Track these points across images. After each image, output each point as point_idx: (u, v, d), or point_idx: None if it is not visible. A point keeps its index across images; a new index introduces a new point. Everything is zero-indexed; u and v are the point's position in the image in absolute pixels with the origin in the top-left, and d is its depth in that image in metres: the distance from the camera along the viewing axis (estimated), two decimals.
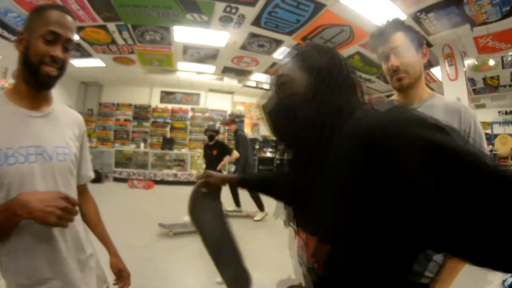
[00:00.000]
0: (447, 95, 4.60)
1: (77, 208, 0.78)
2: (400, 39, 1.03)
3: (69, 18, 0.87)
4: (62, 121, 0.95)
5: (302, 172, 0.65)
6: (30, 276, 0.83)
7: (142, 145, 9.08)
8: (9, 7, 4.04)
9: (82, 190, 1.09)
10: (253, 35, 5.31)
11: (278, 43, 5.51)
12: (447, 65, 4.82)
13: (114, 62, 6.85)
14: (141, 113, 9.71)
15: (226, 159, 5.00)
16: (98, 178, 7.46)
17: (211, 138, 4.92)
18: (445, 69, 4.87)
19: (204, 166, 5.99)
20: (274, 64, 6.76)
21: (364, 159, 0.49)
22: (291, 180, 0.76)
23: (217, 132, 4.98)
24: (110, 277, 1.12)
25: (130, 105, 9.68)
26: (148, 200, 6.04)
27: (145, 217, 4.63)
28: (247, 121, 10.88)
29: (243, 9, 4.45)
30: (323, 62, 0.64)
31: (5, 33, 4.95)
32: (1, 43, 5.43)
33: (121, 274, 1.11)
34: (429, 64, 5.87)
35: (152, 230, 3.90)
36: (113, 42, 5.61)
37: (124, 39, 5.53)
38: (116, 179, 7.98)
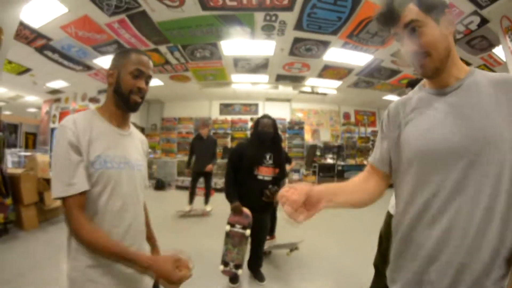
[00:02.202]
0: None
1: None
2: (412, 13, 0.78)
3: (148, 59, 1.12)
4: (137, 140, 1.22)
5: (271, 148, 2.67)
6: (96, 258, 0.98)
7: None
8: (71, 43, 4.73)
9: None
10: (298, 40, 5.14)
11: (325, 44, 5.20)
12: (508, 41, 3.78)
13: (171, 80, 7.40)
14: None
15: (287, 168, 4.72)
16: (162, 186, 8.11)
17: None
18: (507, 46, 3.81)
19: None
20: (325, 66, 6.42)
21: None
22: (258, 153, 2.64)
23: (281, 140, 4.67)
24: None
25: (191, 118, 10.30)
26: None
27: (203, 222, 5.11)
28: (306, 127, 10.55)
29: (282, 15, 4.34)
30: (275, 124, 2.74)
31: (71, 65, 5.80)
32: (68, 73, 6.39)
33: None
34: (489, 45, 4.70)
35: (207, 232, 4.27)
36: (167, 62, 6.06)
37: (177, 59, 5.92)
38: (178, 187, 8.50)
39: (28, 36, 4.29)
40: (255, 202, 2.53)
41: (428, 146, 0.80)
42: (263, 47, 5.54)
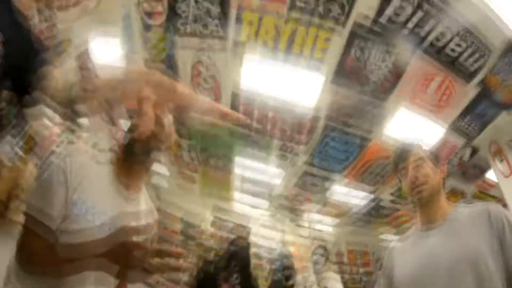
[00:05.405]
0: (506, 194, 4.12)
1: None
2: (418, 153, 1.12)
3: None
4: (142, 208, 1.08)
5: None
6: None
7: None
8: None
9: None
10: (306, 174, 5.44)
11: (331, 181, 5.51)
12: (498, 163, 4.22)
13: (177, 175, 7.31)
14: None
15: None
16: None
17: (288, 278, 4.01)
18: (497, 168, 4.27)
19: None
20: (327, 203, 6.55)
21: None
22: None
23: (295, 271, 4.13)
24: None
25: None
26: None
27: None
28: (296, 262, 9.90)
29: (297, 148, 4.76)
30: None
31: None
32: None
33: None
34: (481, 172, 5.17)
35: None
36: (181, 157, 6.21)
37: (192, 159, 6.12)
38: None
39: None
40: None
41: (415, 276, 0.97)
42: (272, 174, 5.79)
